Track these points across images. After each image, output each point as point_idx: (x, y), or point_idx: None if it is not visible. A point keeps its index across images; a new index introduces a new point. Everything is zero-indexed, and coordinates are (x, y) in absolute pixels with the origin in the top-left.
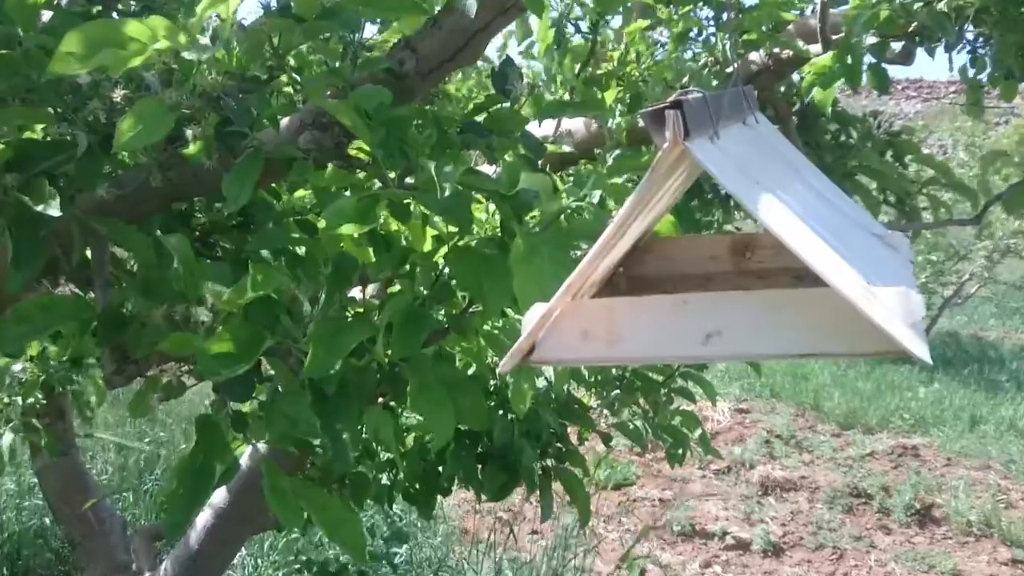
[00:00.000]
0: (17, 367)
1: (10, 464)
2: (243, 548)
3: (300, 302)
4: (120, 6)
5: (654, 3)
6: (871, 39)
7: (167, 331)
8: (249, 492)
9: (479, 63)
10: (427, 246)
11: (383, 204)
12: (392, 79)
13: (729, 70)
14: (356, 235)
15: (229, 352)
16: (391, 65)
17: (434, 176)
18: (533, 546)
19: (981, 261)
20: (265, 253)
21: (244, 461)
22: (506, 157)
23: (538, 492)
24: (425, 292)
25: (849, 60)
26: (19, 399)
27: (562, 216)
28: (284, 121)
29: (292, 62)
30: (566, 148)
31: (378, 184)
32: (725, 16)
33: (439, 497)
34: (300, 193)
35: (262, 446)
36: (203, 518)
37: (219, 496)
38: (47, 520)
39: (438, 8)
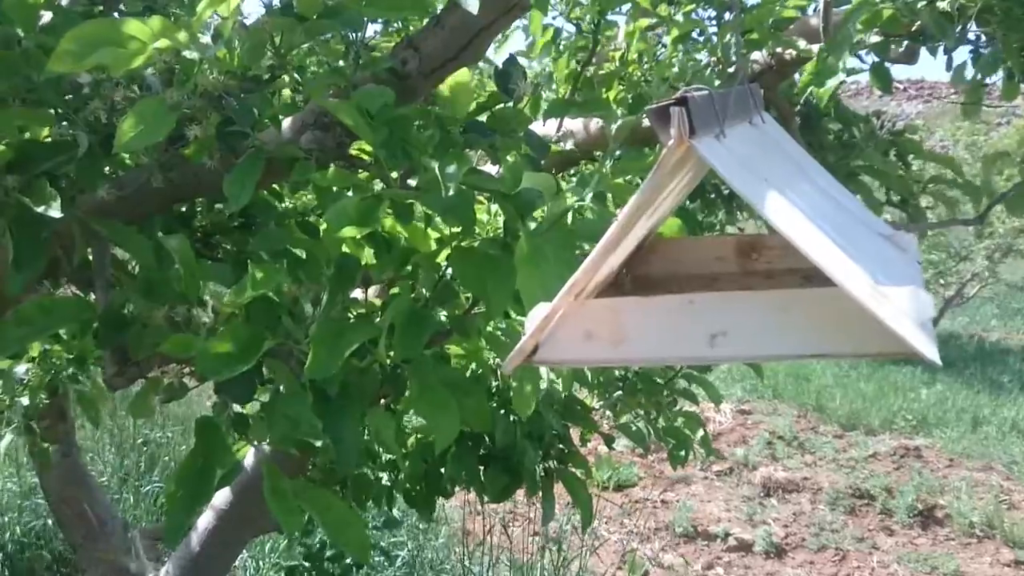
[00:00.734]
0: (20, 368)
1: (11, 465)
2: (244, 550)
3: (302, 303)
4: (122, 6)
5: (652, 5)
6: (874, 38)
7: (168, 332)
8: (251, 494)
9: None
10: (430, 247)
11: (385, 205)
12: (395, 79)
13: (731, 70)
14: (358, 236)
15: (230, 353)
16: (393, 65)
17: (438, 176)
18: (534, 547)
19: (982, 261)
20: (266, 255)
21: (247, 463)
22: (509, 157)
23: (540, 494)
24: (427, 293)
25: (830, 57)
26: (21, 400)
27: (566, 216)
28: (286, 121)
29: (294, 61)
30: (570, 146)
31: (380, 184)
32: (728, 15)
33: (440, 498)
34: (302, 194)
35: (265, 447)
36: (205, 520)
37: (221, 498)
38: (49, 522)
39: (440, 7)
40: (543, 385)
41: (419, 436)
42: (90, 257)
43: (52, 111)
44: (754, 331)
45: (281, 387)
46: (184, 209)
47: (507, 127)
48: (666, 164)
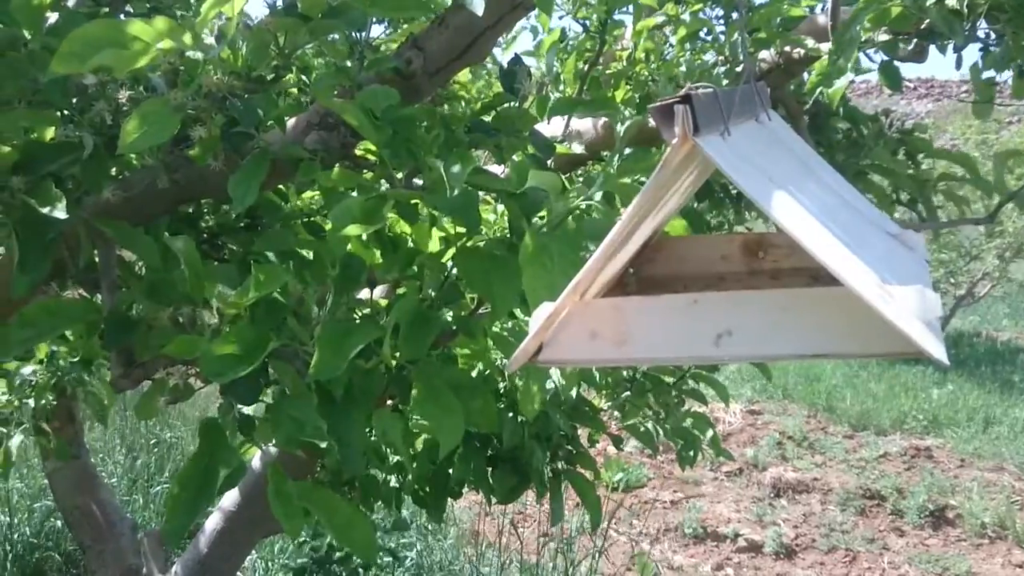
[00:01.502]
0: (27, 370)
1: (21, 466)
2: (253, 551)
3: (307, 304)
4: (128, 7)
5: (659, 3)
6: (882, 36)
7: (173, 333)
8: (259, 495)
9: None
10: (435, 247)
11: (389, 205)
12: (399, 78)
13: (740, 68)
14: (364, 236)
15: (234, 354)
16: (398, 65)
17: (443, 176)
18: (543, 548)
19: (993, 260)
20: (272, 255)
21: (255, 464)
22: (514, 157)
23: (548, 495)
24: (433, 294)
25: (839, 59)
26: (30, 401)
27: (571, 215)
28: (291, 121)
29: (298, 62)
30: (576, 148)
31: (386, 184)
32: (736, 14)
33: (449, 499)
34: (308, 194)
35: (272, 449)
36: (213, 521)
37: (229, 499)
38: (58, 522)
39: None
40: (550, 386)
41: (427, 437)
42: (96, 259)
43: (58, 112)
44: (760, 331)
45: (287, 388)
46: (190, 210)
47: (512, 127)
48: (670, 162)
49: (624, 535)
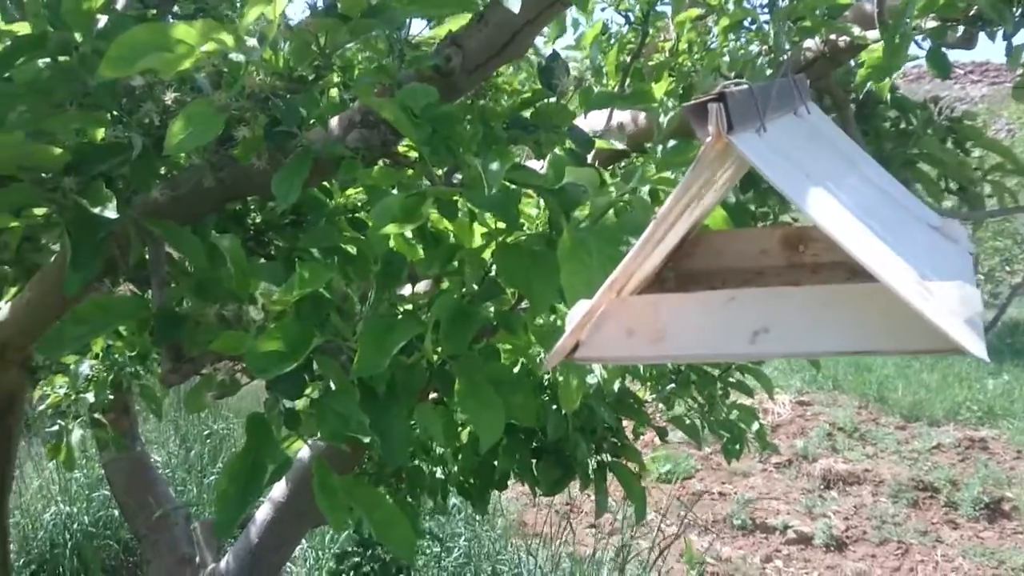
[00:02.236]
0: (85, 365)
1: (80, 457)
2: (303, 541)
3: (351, 300)
4: (176, 8)
5: None
6: (930, 23)
7: (220, 330)
8: (307, 487)
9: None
10: (476, 242)
11: (429, 202)
12: (439, 76)
13: (784, 58)
14: (408, 232)
15: (278, 351)
16: (437, 62)
17: (481, 173)
18: (591, 539)
19: None
20: (316, 251)
21: (303, 455)
22: (556, 151)
23: (593, 487)
24: (475, 288)
25: (892, 51)
26: (88, 395)
27: (611, 210)
28: (334, 120)
29: (339, 61)
30: (617, 144)
31: (426, 182)
32: (780, 2)
33: (497, 491)
34: (352, 191)
35: (319, 443)
36: (263, 512)
37: (279, 490)
38: (115, 512)
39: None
40: (593, 380)
41: (471, 430)
42: (147, 256)
43: (107, 114)
44: (796, 327)
45: (332, 383)
46: (237, 208)
47: (551, 122)
48: (704, 160)
49: (672, 526)
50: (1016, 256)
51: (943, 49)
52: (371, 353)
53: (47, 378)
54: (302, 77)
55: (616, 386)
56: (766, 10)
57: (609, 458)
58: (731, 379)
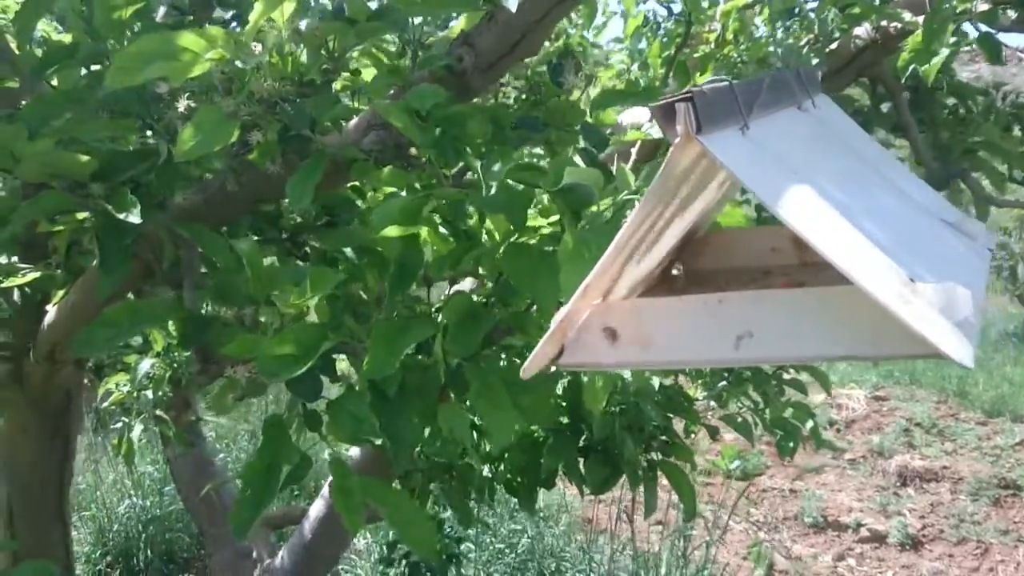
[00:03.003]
0: (146, 363)
1: (152, 452)
2: (367, 535)
3: (366, 302)
4: (215, 15)
5: None
6: (982, 6)
7: (239, 333)
8: None
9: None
10: (495, 242)
11: (432, 203)
12: (452, 76)
13: (833, 46)
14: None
15: (290, 354)
16: (450, 63)
17: (479, 174)
18: (656, 536)
19: None
20: (349, 252)
21: (354, 452)
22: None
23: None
24: (489, 287)
25: (932, 43)
26: (148, 392)
27: (624, 210)
28: (352, 122)
29: (350, 64)
30: (654, 133)
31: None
32: None
33: (545, 489)
34: (385, 191)
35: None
36: (316, 508)
37: None
38: None
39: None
40: (630, 377)
41: (517, 428)
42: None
43: (136, 121)
44: (781, 331)
45: (356, 384)
46: (272, 209)
47: (561, 121)
48: (675, 162)
49: (740, 523)
50: None
51: (995, 34)
52: (381, 355)
53: (110, 375)
54: (311, 81)
55: (660, 383)
56: None
57: (660, 457)
58: (786, 376)
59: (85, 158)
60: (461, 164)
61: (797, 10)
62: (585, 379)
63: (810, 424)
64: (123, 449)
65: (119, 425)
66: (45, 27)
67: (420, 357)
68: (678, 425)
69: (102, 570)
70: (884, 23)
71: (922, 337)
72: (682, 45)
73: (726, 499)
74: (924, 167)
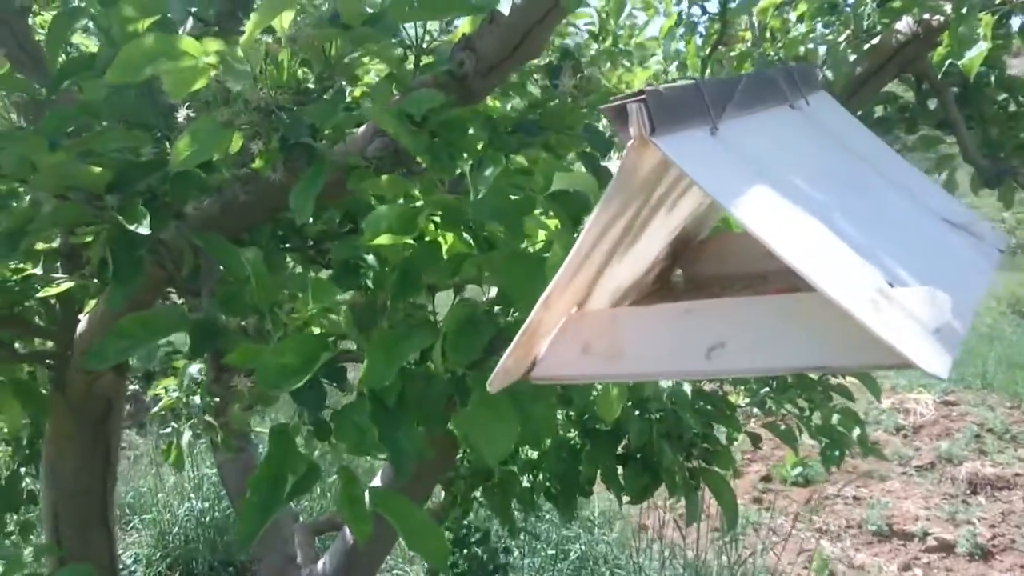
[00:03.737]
0: (194, 368)
1: (211, 456)
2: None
3: (368, 311)
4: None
5: None
6: None
7: (244, 342)
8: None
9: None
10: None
11: (426, 212)
12: (453, 80)
13: (874, 42)
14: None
15: (290, 364)
16: (451, 67)
17: (468, 180)
18: (712, 544)
19: None
20: (371, 258)
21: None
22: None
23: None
24: (491, 296)
25: (960, 27)
26: (196, 398)
27: None
28: (360, 129)
29: (359, 70)
30: None
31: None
32: None
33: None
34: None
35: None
36: None
37: None
38: None
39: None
40: (666, 385)
41: (558, 434)
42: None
43: (151, 132)
44: (754, 342)
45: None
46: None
47: (560, 124)
48: (632, 165)
49: (801, 531)
50: None
51: None
52: (379, 365)
53: (158, 381)
54: (308, 89)
55: (700, 390)
56: None
57: (701, 464)
58: (831, 382)
59: (99, 170)
60: (460, 170)
61: (836, 6)
62: (599, 388)
63: (857, 432)
64: (172, 455)
65: (168, 431)
66: (84, 41)
67: (428, 365)
68: (720, 432)
69: (162, 572)
70: (926, 16)
71: (888, 345)
72: (717, 43)
73: (787, 506)
74: (973, 165)
